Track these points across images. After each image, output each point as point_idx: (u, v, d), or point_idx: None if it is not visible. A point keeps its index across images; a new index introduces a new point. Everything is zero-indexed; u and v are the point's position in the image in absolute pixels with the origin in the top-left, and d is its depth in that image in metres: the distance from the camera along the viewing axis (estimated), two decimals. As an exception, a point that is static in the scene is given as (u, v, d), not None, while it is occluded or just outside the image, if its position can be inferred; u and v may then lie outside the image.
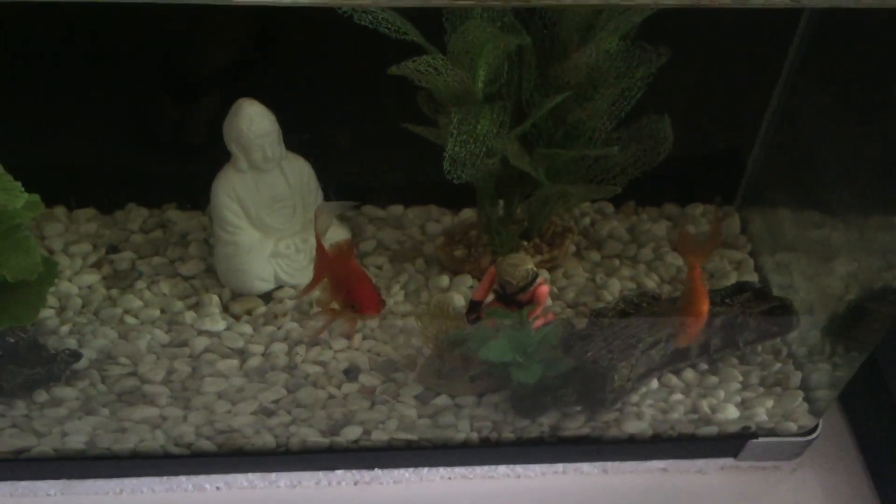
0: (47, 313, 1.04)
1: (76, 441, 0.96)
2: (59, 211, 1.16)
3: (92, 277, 1.09)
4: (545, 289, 0.96)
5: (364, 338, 1.06)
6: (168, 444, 0.97)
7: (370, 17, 0.86)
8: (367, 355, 1.04)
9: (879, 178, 0.95)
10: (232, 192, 1.04)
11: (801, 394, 1.03)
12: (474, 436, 1.01)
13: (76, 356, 0.98)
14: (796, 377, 1.04)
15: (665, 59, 0.97)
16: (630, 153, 1.05)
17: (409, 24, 0.90)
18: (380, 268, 1.15)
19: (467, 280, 1.12)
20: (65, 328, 1.03)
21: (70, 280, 1.09)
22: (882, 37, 0.89)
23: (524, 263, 0.94)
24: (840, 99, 1.02)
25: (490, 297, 1.00)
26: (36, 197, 0.91)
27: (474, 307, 0.99)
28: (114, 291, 1.08)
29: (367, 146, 1.13)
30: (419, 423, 1.00)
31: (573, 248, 1.17)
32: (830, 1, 0.86)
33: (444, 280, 1.13)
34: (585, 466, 1.04)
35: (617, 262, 1.16)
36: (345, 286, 0.92)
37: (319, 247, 0.93)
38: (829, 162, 1.04)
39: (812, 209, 1.10)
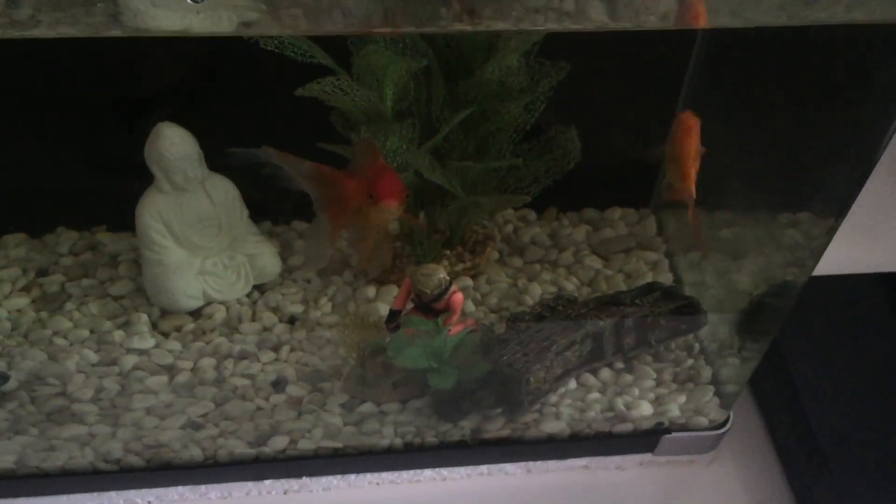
0: (-24, 338, 1.07)
1: (5, 461, 0.98)
2: (-12, 237, 1.19)
3: (21, 301, 1.11)
4: (459, 296, 0.99)
5: (292, 349, 1.09)
6: (97, 460, 0.99)
7: (276, 41, 0.90)
8: (295, 366, 1.07)
9: (776, 178, 1.00)
10: (156, 212, 1.07)
11: (711, 388, 1.07)
12: (398, 441, 1.04)
13: (4, 378, 1.00)
14: (707, 372, 1.08)
15: (565, 74, 1.01)
16: (542, 163, 1.09)
17: (316, 47, 0.93)
18: (308, 281, 1.18)
19: (393, 290, 1.16)
20: (-6, 351, 1.06)
21: (-1, 304, 1.11)
22: (769, 46, 0.93)
23: (436, 273, 0.97)
24: (738, 105, 1.07)
25: (409, 306, 1.03)
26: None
27: (393, 316, 1.02)
28: (43, 314, 1.10)
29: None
30: (345, 431, 1.03)
31: (496, 255, 1.21)
32: (721, 21, 0.89)
33: (371, 291, 1.16)
34: (509, 467, 1.07)
35: (538, 267, 1.20)
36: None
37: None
38: (734, 164, 1.09)
39: (719, 209, 1.14)
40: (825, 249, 0.86)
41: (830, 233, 0.84)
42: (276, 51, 0.90)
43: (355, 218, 0.88)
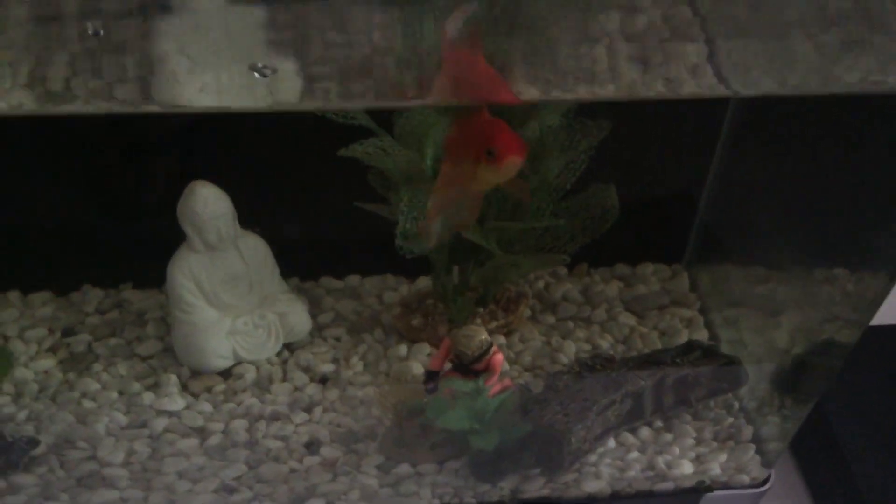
0: (3, 400, 1.04)
1: (36, 529, 0.95)
2: (14, 296, 1.16)
3: (48, 362, 1.09)
4: (500, 357, 0.98)
5: (325, 410, 1.07)
6: (129, 527, 0.97)
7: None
8: (328, 427, 1.05)
9: (812, 234, 1.00)
10: (188, 271, 1.06)
11: (752, 447, 1.05)
12: (436, 502, 1.02)
13: (34, 443, 0.98)
14: (748, 430, 1.07)
15: (606, 133, 1.01)
16: (579, 221, 1.08)
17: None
18: (338, 339, 1.16)
19: (425, 348, 1.14)
20: (21, 415, 1.03)
21: (26, 366, 1.08)
22: (802, 105, 0.93)
23: (478, 334, 0.96)
24: (774, 161, 1.07)
25: (447, 367, 1.01)
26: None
27: (431, 377, 1.00)
28: (71, 375, 1.08)
29: (323, 219, 1.15)
30: (381, 493, 1.00)
31: (528, 313, 1.20)
32: (753, 90, 0.88)
33: (403, 349, 1.14)
34: (548, 528, 1.05)
35: (571, 324, 1.19)
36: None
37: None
38: (769, 220, 1.09)
39: (755, 265, 1.14)
40: (879, 307, 0.85)
41: (885, 291, 0.83)
42: (318, 114, 0.89)
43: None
